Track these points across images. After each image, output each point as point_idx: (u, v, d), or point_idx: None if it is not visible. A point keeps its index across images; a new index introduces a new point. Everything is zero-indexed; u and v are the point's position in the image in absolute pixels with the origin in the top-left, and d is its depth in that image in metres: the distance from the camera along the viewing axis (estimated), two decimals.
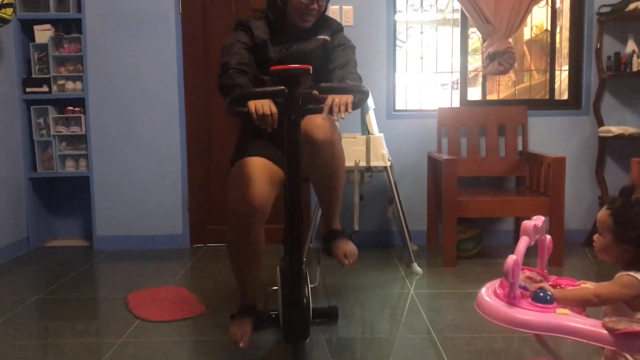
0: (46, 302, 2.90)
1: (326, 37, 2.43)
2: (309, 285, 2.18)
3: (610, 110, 3.90)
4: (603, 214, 1.50)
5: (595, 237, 1.54)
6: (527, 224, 1.53)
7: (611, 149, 3.93)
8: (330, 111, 2.01)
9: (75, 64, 3.90)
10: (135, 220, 3.96)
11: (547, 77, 4.13)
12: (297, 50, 2.38)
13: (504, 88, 4.48)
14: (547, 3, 4.07)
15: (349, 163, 3.12)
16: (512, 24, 3.80)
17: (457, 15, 4.06)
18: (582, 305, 1.50)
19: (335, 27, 2.48)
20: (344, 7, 3.83)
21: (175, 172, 3.95)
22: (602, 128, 3.80)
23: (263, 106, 1.96)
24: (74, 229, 4.19)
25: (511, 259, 1.42)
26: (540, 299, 1.46)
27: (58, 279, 3.27)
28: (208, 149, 4.00)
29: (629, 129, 3.71)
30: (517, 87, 4.36)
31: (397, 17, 3.99)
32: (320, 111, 2.02)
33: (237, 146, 2.42)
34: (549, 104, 4.06)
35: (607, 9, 3.78)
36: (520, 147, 3.89)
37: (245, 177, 2.14)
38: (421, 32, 4.13)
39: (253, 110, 1.96)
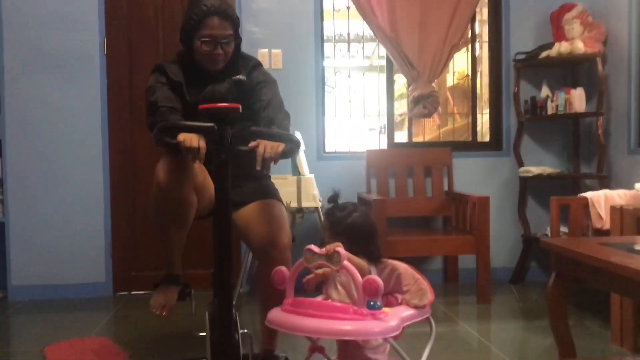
0: None
1: (241, 77, 2.39)
2: (239, 331, 2.11)
3: (529, 152, 4.08)
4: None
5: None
6: None
7: (532, 188, 4.09)
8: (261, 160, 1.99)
9: None
10: (54, 268, 3.75)
11: (470, 120, 4.29)
12: (212, 92, 2.34)
13: (429, 131, 4.62)
14: (467, 50, 4.27)
15: None
16: (434, 69, 3.95)
17: (383, 62, 4.18)
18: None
19: (252, 65, 2.43)
20: (272, 50, 3.87)
21: (97, 217, 3.80)
22: (522, 168, 3.97)
23: (192, 140, 1.93)
24: None
25: None
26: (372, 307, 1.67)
27: None
28: (133, 193, 3.87)
29: (547, 169, 3.89)
30: (441, 130, 4.51)
31: (326, 62, 4.06)
32: (249, 153, 2.00)
33: None
34: (472, 146, 4.22)
35: (523, 56, 4.00)
36: (446, 188, 3.99)
37: (175, 161, 2.10)
38: (349, 76, 4.23)
39: (182, 141, 1.93)
